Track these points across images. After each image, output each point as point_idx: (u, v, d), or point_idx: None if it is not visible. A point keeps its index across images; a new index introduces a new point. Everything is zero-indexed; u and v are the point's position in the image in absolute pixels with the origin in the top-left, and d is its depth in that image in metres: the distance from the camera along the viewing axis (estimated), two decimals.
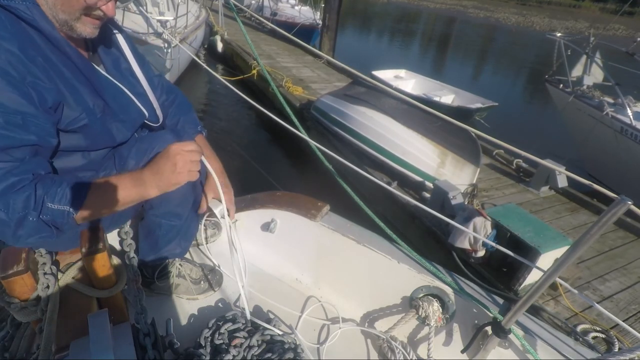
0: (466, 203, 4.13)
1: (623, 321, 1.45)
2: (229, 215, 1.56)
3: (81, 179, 1.11)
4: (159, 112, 1.46)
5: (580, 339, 2.95)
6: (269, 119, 2.19)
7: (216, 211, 1.55)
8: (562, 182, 5.04)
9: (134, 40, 1.45)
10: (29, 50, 0.98)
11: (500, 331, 1.44)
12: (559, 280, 1.51)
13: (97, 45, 1.24)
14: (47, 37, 1.04)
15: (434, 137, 4.71)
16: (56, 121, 1.06)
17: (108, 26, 1.30)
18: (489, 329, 1.49)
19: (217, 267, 1.88)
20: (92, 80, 1.16)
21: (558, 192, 5.20)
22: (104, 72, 1.24)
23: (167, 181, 1.18)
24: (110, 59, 1.30)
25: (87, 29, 1.10)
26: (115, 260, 1.33)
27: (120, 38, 1.35)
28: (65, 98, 1.07)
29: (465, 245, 3.56)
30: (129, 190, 1.13)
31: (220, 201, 1.53)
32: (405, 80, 9.82)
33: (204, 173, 1.57)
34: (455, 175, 4.54)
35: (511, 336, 1.46)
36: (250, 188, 2.23)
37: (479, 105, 8.34)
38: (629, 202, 1.02)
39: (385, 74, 9.83)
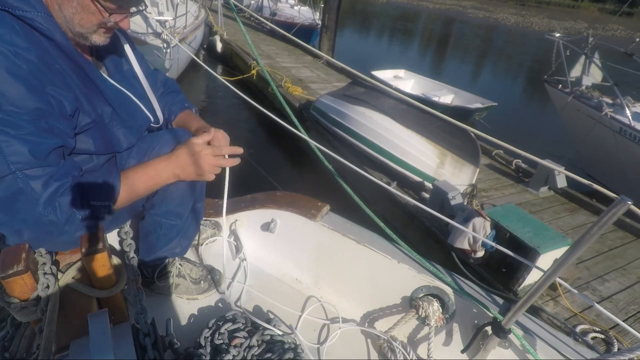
0: (465, 203, 4.13)
1: (622, 321, 1.45)
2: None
3: (107, 172, 1.17)
4: (159, 113, 1.46)
5: (580, 340, 2.95)
6: (269, 119, 2.19)
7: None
8: (561, 183, 5.04)
9: (133, 41, 1.45)
10: (47, 59, 1.00)
11: (500, 331, 1.44)
12: (558, 281, 1.51)
13: (100, 49, 1.24)
14: (60, 47, 1.05)
15: (433, 138, 4.71)
16: (74, 127, 1.10)
17: None
18: (489, 329, 1.49)
19: (217, 267, 1.88)
20: (101, 88, 1.18)
21: (557, 192, 5.21)
22: (109, 79, 1.25)
23: (192, 174, 1.30)
24: (113, 63, 1.30)
25: (101, 38, 1.13)
26: (115, 260, 1.32)
27: (122, 40, 1.35)
28: (81, 105, 1.10)
29: (465, 245, 3.56)
30: (154, 179, 1.24)
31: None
32: (404, 80, 9.83)
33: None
34: (455, 175, 4.54)
35: (511, 336, 1.47)
36: (250, 188, 2.23)
37: (478, 105, 8.35)
38: (629, 202, 1.02)
39: (385, 74, 9.84)
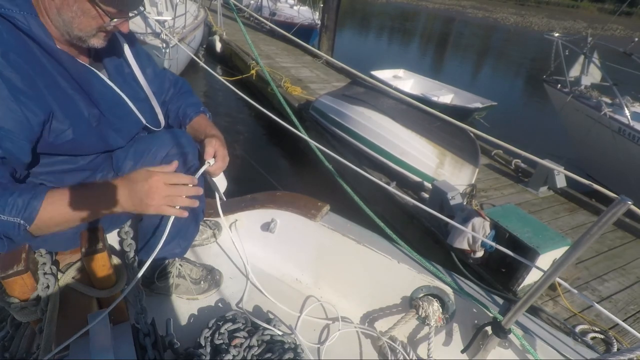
0: (465, 203, 4.13)
1: (622, 321, 1.46)
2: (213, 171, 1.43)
3: (38, 186, 1.05)
4: (160, 117, 1.46)
5: (579, 340, 2.95)
6: (269, 119, 2.19)
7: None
8: (560, 183, 5.04)
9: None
10: (19, 62, 0.97)
11: (500, 331, 1.44)
12: (558, 280, 1.51)
13: (100, 51, 1.23)
14: (44, 48, 1.04)
15: (433, 138, 4.71)
16: (34, 138, 1.03)
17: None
18: (489, 329, 1.49)
19: (217, 267, 1.88)
20: (87, 90, 1.16)
21: (557, 192, 5.21)
22: (106, 79, 1.23)
23: (139, 208, 1.10)
24: (113, 65, 1.28)
25: (100, 41, 1.11)
26: (115, 260, 1.33)
27: (121, 41, 1.33)
28: (53, 111, 1.05)
29: (464, 245, 3.56)
30: (92, 206, 1.05)
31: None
32: (403, 80, 9.83)
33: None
34: (454, 175, 4.55)
35: (511, 336, 1.47)
36: (250, 188, 2.23)
37: (478, 104, 8.35)
38: (629, 202, 1.02)
39: (384, 74, 9.83)
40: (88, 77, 1.17)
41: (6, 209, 0.94)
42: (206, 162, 1.33)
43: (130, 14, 1.12)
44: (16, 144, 0.98)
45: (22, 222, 0.95)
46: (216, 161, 1.36)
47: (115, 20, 1.07)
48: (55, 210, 1.00)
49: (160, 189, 1.08)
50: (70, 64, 1.11)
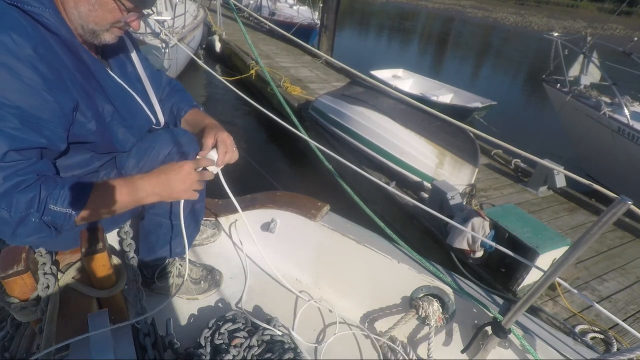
0: (464, 203, 4.13)
1: (622, 321, 1.46)
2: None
3: (82, 179, 1.12)
4: (160, 115, 1.46)
5: (579, 340, 2.95)
6: (268, 119, 2.19)
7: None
8: (560, 182, 5.04)
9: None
10: (48, 55, 0.99)
11: (500, 331, 1.44)
12: (558, 280, 1.51)
13: (106, 50, 1.24)
14: (64, 43, 1.05)
15: (433, 137, 4.71)
16: (69, 126, 1.08)
17: None
18: (489, 328, 1.49)
19: (217, 267, 1.88)
20: (103, 86, 1.18)
21: (556, 192, 5.21)
22: (114, 75, 1.25)
23: (170, 194, 1.23)
24: (117, 63, 1.30)
25: (112, 37, 1.13)
26: (115, 260, 1.33)
27: (127, 42, 1.35)
28: (78, 103, 1.08)
29: (464, 246, 3.57)
30: (130, 196, 1.15)
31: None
32: (402, 80, 9.83)
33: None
34: (454, 175, 4.54)
35: (511, 336, 1.47)
36: (250, 188, 2.23)
37: (477, 104, 8.35)
38: (629, 202, 1.02)
39: (383, 74, 9.84)
40: (104, 73, 1.19)
41: (58, 201, 1.01)
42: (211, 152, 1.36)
43: (145, 12, 1.14)
44: (55, 133, 1.03)
45: (73, 212, 1.04)
46: (219, 153, 1.37)
47: (131, 13, 1.09)
48: (100, 202, 1.10)
49: (192, 175, 1.23)
50: (89, 60, 1.13)
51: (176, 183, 1.21)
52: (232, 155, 1.40)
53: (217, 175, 1.42)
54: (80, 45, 1.09)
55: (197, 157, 1.33)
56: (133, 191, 1.15)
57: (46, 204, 1.00)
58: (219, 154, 1.35)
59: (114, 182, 1.14)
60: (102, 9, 1.05)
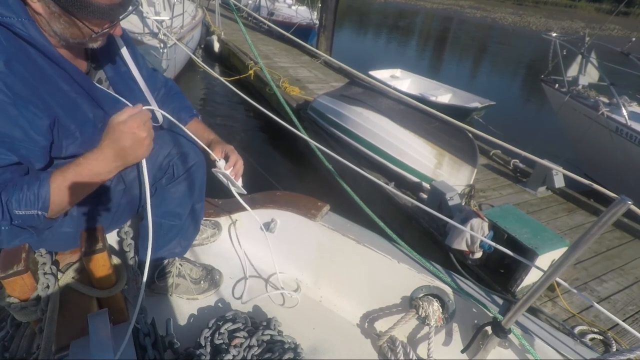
0: (463, 204, 4.13)
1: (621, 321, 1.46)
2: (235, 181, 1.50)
3: (40, 173, 1.05)
4: (158, 114, 1.46)
5: (578, 341, 2.95)
6: (268, 119, 2.19)
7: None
8: (559, 183, 5.05)
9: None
10: (21, 70, 0.98)
11: (500, 331, 1.44)
12: (558, 280, 1.51)
13: (97, 51, 1.23)
14: (44, 54, 1.03)
15: (431, 138, 4.71)
16: (47, 142, 1.05)
17: None
18: (488, 328, 1.49)
19: (217, 267, 1.88)
20: (90, 92, 1.16)
21: (555, 192, 5.22)
22: (104, 81, 1.25)
23: (132, 161, 1.11)
24: (111, 65, 1.29)
25: (97, 43, 1.12)
26: (115, 260, 1.32)
27: (118, 41, 1.33)
28: (58, 114, 1.06)
29: (463, 246, 3.56)
30: (92, 177, 1.06)
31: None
32: (400, 80, 9.83)
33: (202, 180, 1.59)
34: (452, 176, 4.54)
35: (511, 336, 1.47)
36: (250, 188, 2.23)
37: (476, 104, 8.36)
38: (629, 202, 1.02)
39: (381, 74, 9.83)
40: (88, 83, 1.17)
41: (21, 205, 0.97)
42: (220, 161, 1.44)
43: (121, 17, 1.10)
44: (31, 151, 1.02)
45: (39, 212, 1.00)
46: (229, 164, 1.46)
47: (105, 30, 1.07)
48: (63, 191, 1.03)
49: (142, 132, 1.06)
50: (70, 68, 1.11)
51: (133, 149, 1.07)
52: (240, 163, 1.49)
53: (224, 177, 1.47)
54: (59, 56, 1.07)
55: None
56: (93, 173, 1.06)
57: (10, 210, 0.96)
58: (231, 160, 1.46)
59: (73, 166, 1.04)
60: (73, 27, 1.03)
